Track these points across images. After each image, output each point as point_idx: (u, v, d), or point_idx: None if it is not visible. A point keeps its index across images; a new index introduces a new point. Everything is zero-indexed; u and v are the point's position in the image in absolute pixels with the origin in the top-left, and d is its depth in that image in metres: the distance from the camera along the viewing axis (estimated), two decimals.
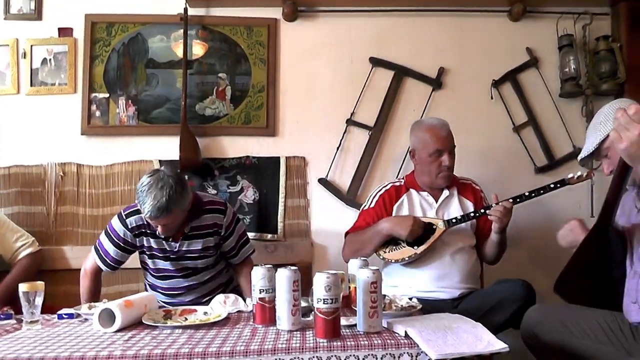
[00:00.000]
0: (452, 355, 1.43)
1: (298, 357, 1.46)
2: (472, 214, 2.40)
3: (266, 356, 1.45)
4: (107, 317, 1.71)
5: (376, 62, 3.01)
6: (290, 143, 2.97)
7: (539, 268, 2.85)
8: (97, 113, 2.89)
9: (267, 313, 1.73)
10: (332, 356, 1.47)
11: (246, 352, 1.45)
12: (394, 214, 2.48)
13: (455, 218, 2.39)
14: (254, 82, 2.95)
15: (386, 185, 2.58)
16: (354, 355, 1.47)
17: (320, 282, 1.54)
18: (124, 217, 2.23)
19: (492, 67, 3.02)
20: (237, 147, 2.94)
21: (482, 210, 2.37)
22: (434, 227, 2.38)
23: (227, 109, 2.94)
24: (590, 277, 1.87)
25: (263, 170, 2.94)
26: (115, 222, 2.24)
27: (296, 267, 1.69)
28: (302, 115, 2.98)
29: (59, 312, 1.95)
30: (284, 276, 1.66)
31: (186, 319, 1.83)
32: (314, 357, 1.46)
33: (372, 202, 2.55)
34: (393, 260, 2.39)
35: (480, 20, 3.05)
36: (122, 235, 2.23)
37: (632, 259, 1.77)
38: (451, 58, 3.04)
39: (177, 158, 2.78)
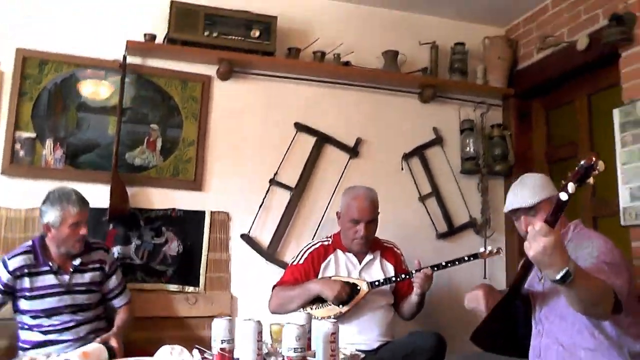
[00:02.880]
0: None
1: None
2: (394, 278, 2.64)
3: None
4: None
5: (300, 127, 3.23)
6: (216, 198, 3.07)
7: (444, 319, 3.15)
8: (21, 153, 2.79)
9: None
10: None
11: None
12: (321, 272, 2.68)
13: (378, 281, 2.62)
14: (185, 136, 3.04)
15: (315, 244, 2.78)
16: None
17: (291, 332, 1.67)
18: (6, 260, 2.35)
19: (403, 142, 3.37)
20: (163, 198, 2.98)
21: (405, 276, 2.62)
22: (358, 287, 2.60)
23: (156, 160, 2.98)
24: (500, 333, 2.16)
25: (188, 223, 3.00)
26: None
27: (259, 320, 1.80)
28: (229, 172, 3.10)
29: None
30: (250, 327, 1.76)
31: None
32: None
33: (301, 258, 2.73)
34: (320, 317, 2.56)
35: (394, 99, 3.41)
36: (3, 279, 2.32)
37: (535, 320, 2.09)
38: (368, 130, 3.34)
39: (106, 206, 2.78)
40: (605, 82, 2.93)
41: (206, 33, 2.98)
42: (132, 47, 2.92)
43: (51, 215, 2.35)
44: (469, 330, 2.12)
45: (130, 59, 2.97)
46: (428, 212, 3.35)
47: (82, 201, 2.41)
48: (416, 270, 2.56)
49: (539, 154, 3.43)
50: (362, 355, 2.05)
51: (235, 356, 1.78)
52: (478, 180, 3.43)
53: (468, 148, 3.36)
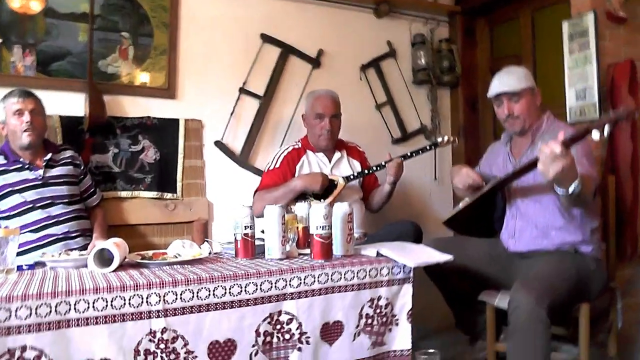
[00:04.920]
0: (424, 264, 1.94)
1: (310, 275, 1.79)
2: (368, 170, 2.89)
3: (287, 274, 1.75)
4: (100, 258, 1.79)
5: (267, 38, 3.33)
6: (189, 106, 3.14)
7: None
8: None
9: (250, 247, 2.00)
10: (335, 272, 1.83)
11: (270, 272, 1.74)
12: (297, 174, 2.87)
13: (353, 174, 2.86)
14: (156, 44, 3.04)
15: (287, 148, 2.96)
16: (350, 270, 1.85)
17: (318, 212, 1.87)
18: None
19: (361, 54, 3.57)
20: (138, 107, 3.01)
21: (377, 167, 2.86)
22: (336, 183, 2.83)
23: (129, 69, 2.98)
24: (476, 217, 2.49)
25: (163, 131, 3.06)
26: None
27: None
28: (200, 81, 3.16)
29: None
30: (275, 212, 1.94)
31: (165, 259, 1.97)
32: (322, 273, 1.81)
33: (277, 162, 2.90)
34: None
35: (352, 13, 3.57)
36: None
37: (511, 206, 2.43)
38: (329, 42, 3.49)
39: (81, 114, 2.79)
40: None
41: None
42: None
43: (1, 114, 2.46)
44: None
45: None
46: (384, 119, 3.62)
47: (24, 92, 2.49)
48: (386, 162, 2.80)
49: (484, 66, 3.77)
50: (365, 238, 2.30)
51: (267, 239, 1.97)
52: (428, 90, 3.72)
53: (420, 60, 3.62)
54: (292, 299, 1.76)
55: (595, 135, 1.77)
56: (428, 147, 2.92)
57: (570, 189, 1.85)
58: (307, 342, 1.79)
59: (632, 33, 2.91)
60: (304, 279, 1.78)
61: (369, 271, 1.88)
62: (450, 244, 2.43)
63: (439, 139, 2.92)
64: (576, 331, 2.23)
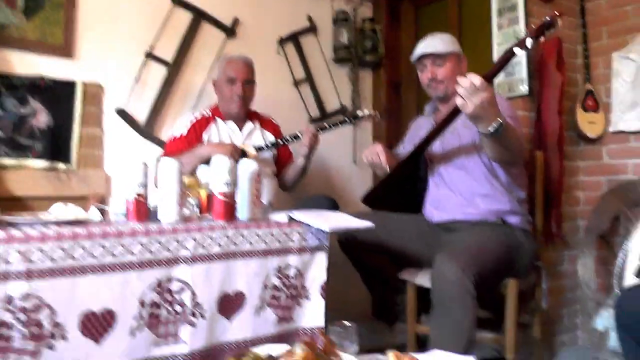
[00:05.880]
0: (341, 229, 1.77)
1: (208, 236, 1.58)
2: (282, 140, 2.68)
3: (181, 234, 1.54)
4: None
5: (177, 1, 3.07)
6: (88, 68, 2.82)
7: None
8: None
9: (143, 209, 1.74)
10: (238, 234, 1.63)
11: (160, 231, 1.51)
12: (205, 142, 2.64)
13: (266, 144, 2.66)
14: None
15: (196, 115, 2.73)
16: (255, 233, 1.65)
17: (221, 166, 1.66)
18: None
19: (280, 26, 3.38)
20: (28, 64, 2.67)
21: (292, 138, 2.66)
22: (246, 153, 2.61)
23: (17, 19, 2.65)
24: (397, 191, 2.36)
25: (58, 94, 2.73)
26: None
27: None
28: (102, 40, 2.85)
29: None
30: (171, 167, 1.71)
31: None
32: (222, 235, 1.60)
33: (183, 130, 2.66)
34: None
35: None
36: None
37: (433, 175, 2.31)
38: (245, 11, 3.27)
39: None
40: None
41: None
42: None
43: None
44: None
45: None
46: (302, 97, 3.44)
47: None
48: (302, 132, 2.62)
49: (408, 48, 3.63)
50: None
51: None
52: (349, 70, 3.58)
53: (341, 38, 3.48)
54: (185, 264, 1.54)
55: (518, 51, 1.72)
56: (347, 120, 2.77)
57: (492, 128, 1.74)
58: (202, 316, 1.58)
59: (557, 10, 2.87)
60: (201, 242, 1.56)
61: (278, 236, 1.69)
62: (370, 217, 2.29)
63: (359, 113, 2.78)
64: (499, 314, 2.13)
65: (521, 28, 2.64)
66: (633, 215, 2.53)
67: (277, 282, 1.72)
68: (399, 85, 3.74)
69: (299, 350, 1.32)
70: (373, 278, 2.44)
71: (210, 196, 1.70)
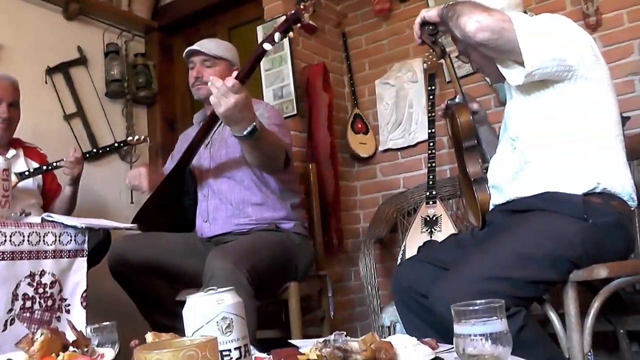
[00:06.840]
0: (98, 226, 1.67)
1: None
2: (44, 167, 2.47)
3: None
4: None
5: None
6: None
7: None
8: None
9: None
10: None
11: None
12: None
13: (28, 171, 2.43)
14: None
15: None
16: (1, 232, 1.46)
17: None
18: None
19: (48, 55, 3.19)
20: None
21: (56, 164, 2.46)
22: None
23: None
24: (165, 209, 2.28)
25: None
26: None
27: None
28: None
29: None
30: None
31: None
32: None
33: None
34: None
35: (39, 9, 3.20)
36: None
37: (202, 187, 2.29)
38: (9, 36, 3.04)
39: None
40: (245, 17, 3.39)
41: None
42: None
43: None
44: None
45: None
46: (73, 132, 3.24)
47: None
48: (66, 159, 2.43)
49: (182, 85, 3.66)
50: None
51: None
52: (123, 105, 3.47)
53: (113, 71, 3.39)
54: None
55: (267, 46, 1.73)
56: (116, 144, 2.66)
57: (246, 131, 1.76)
58: None
59: (322, 45, 3.23)
60: None
61: (28, 236, 1.51)
62: (140, 238, 2.19)
63: (129, 138, 2.66)
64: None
65: (287, 53, 2.86)
66: (407, 221, 2.78)
67: (29, 290, 1.52)
68: (174, 122, 3.72)
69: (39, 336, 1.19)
70: (149, 304, 2.28)
71: None
